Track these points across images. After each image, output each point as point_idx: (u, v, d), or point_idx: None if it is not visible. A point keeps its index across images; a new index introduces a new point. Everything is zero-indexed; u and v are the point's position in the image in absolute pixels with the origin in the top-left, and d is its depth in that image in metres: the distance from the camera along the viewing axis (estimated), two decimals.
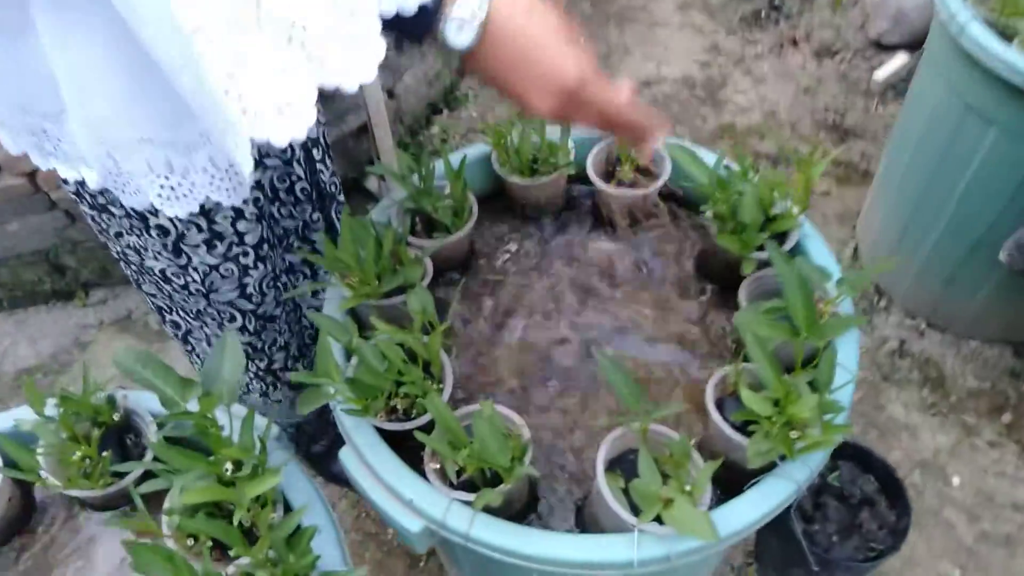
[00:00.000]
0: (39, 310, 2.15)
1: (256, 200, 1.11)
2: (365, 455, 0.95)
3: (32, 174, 1.83)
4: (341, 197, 1.23)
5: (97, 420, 0.97)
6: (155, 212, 1.03)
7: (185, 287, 1.17)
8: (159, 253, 1.11)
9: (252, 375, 1.41)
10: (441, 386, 0.99)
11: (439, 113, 2.65)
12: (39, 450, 0.93)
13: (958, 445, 1.92)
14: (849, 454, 1.07)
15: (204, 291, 1.17)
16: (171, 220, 1.04)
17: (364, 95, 2.00)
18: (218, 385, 0.88)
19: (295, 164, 1.19)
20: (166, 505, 0.88)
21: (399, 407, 0.98)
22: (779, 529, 1.07)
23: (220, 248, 1.11)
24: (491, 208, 1.31)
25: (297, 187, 1.23)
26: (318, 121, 1.15)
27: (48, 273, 2.07)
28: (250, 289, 1.20)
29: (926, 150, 1.82)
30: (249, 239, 1.13)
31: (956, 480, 1.85)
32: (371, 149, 2.22)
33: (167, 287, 1.19)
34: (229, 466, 0.89)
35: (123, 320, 2.13)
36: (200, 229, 1.07)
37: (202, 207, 1.03)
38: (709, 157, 1.15)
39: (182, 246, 1.09)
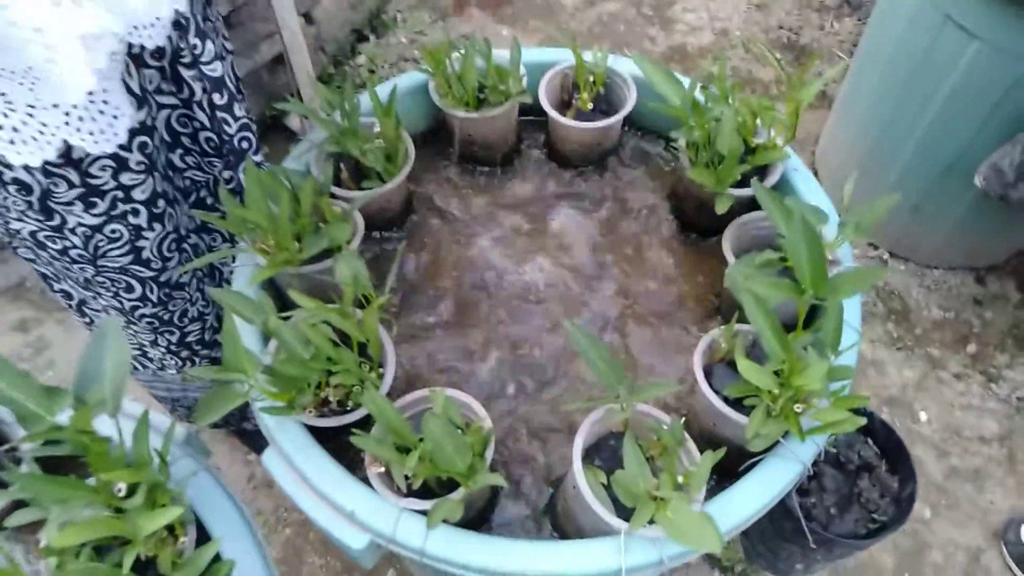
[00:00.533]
0: None
1: (143, 147, 0.89)
2: (294, 460, 0.79)
3: None
4: (257, 157, 1.02)
5: None
6: (8, 165, 0.81)
7: (64, 253, 0.96)
8: (24, 213, 0.90)
9: (164, 350, 1.22)
10: (381, 371, 0.82)
11: (365, 40, 2.40)
12: None
13: (924, 379, 1.86)
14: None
15: (89, 257, 0.97)
16: (28, 172, 0.83)
17: (277, 20, 1.75)
18: (97, 389, 0.70)
19: (196, 108, 0.97)
20: (42, 543, 0.70)
21: (332, 398, 0.81)
22: None
23: (101, 206, 0.90)
24: (431, 149, 1.13)
25: (201, 136, 1.01)
26: (220, 57, 0.93)
27: None
28: (147, 253, 0.99)
29: (898, 66, 1.68)
30: (138, 194, 0.92)
31: (923, 416, 1.80)
32: (290, 83, 1.98)
33: (43, 253, 0.98)
34: (122, 487, 0.71)
35: (15, 288, 1.88)
36: (71, 184, 0.86)
37: (68, 156, 0.82)
38: (684, 80, 0.99)
39: (51, 205, 0.88)
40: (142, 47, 0.84)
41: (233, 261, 0.94)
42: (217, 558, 0.72)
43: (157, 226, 0.97)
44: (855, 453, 0.96)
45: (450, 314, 0.98)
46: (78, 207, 0.89)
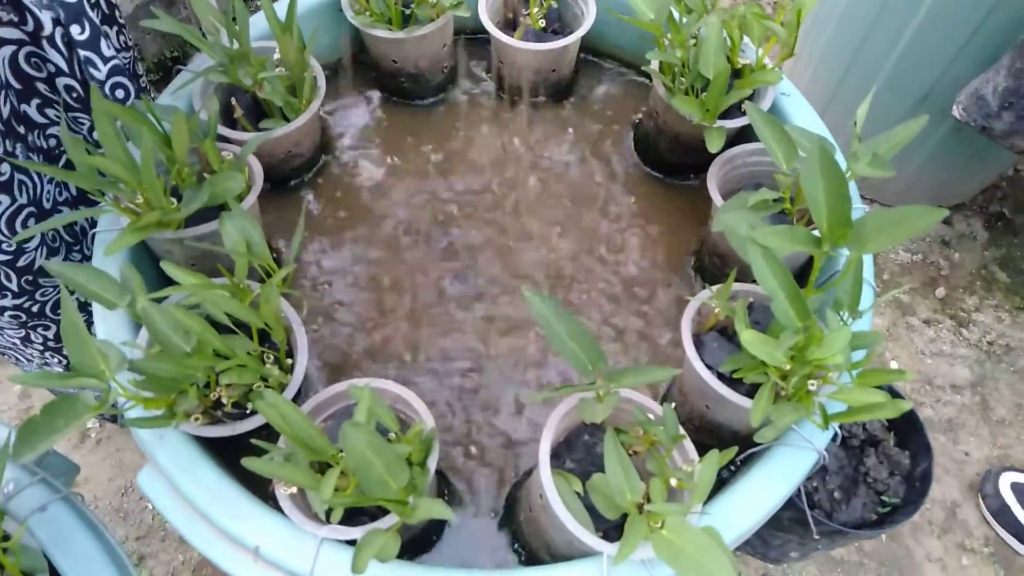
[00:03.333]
0: None
1: None
2: (177, 482, 0.60)
3: None
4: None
5: None
6: None
7: None
8: None
9: (40, 348, 1.00)
10: (290, 362, 0.64)
11: None
12: None
13: (894, 327, 1.76)
14: None
15: None
16: None
17: None
18: None
19: (47, 45, 0.75)
20: None
21: (224, 399, 0.63)
22: None
23: None
24: (348, 81, 0.93)
25: (59, 82, 0.79)
26: None
27: None
28: None
29: (860, 7, 1.54)
30: None
31: (894, 365, 1.71)
32: (191, 20, 1.72)
33: None
34: None
35: None
36: None
37: None
38: None
39: None
40: None
41: (93, 228, 0.74)
42: None
43: (3, 198, 0.75)
44: (859, 426, 0.82)
45: (375, 285, 0.80)
46: None
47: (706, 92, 0.78)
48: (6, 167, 0.74)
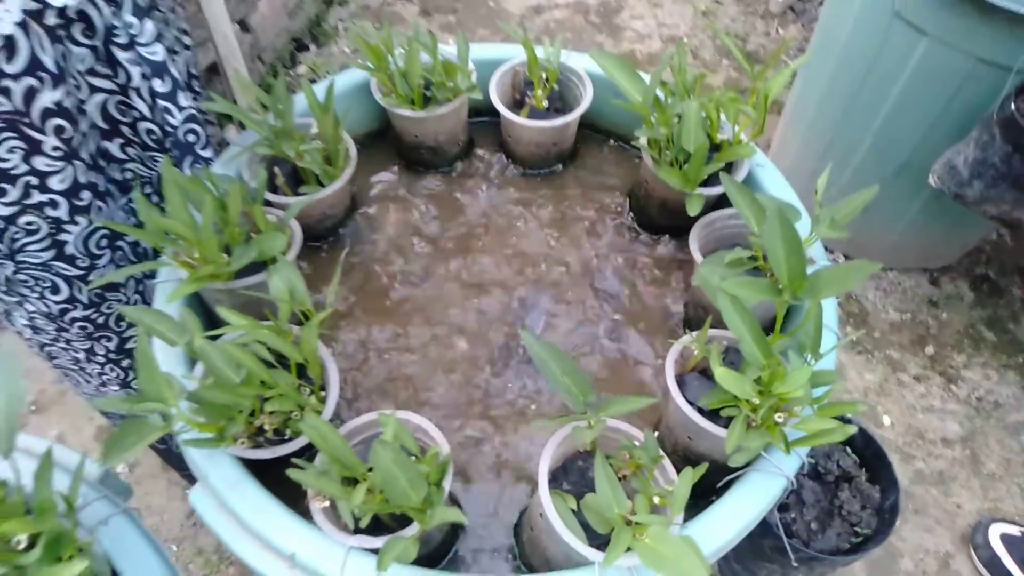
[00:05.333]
0: None
1: (60, 130, 0.79)
2: (225, 497, 0.69)
3: None
4: (206, 152, 0.92)
5: None
6: None
7: None
8: None
9: (103, 360, 1.10)
10: (324, 394, 0.74)
11: (305, 50, 2.31)
12: None
13: (885, 383, 1.84)
14: None
15: (6, 252, 0.86)
16: None
17: (209, 26, 1.65)
18: None
19: (134, 95, 0.87)
20: None
21: (267, 427, 0.73)
22: None
23: (13, 193, 0.80)
24: (375, 152, 1.05)
25: (141, 127, 0.92)
26: (160, 38, 0.84)
27: None
28: (71, 249, 0.89)
29: (848, 67, 1.67)
30: (55, 183, 0.82)
31: (887, 420, 1.78)
32: (226, 94, 1.88)
33: None
34: (21, 539, 0.62)
35: None
36: None
37: None
38: (644, 75, 0.93)
39: None
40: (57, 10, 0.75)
41: (154, 276, 0.85)
42: None
43: (81, 220, 0.87)
44: (834, 463, 0.91)
45: (399, 330, 0.90)
46: None
47: (687, 164, 0.89)
48: (86, 194, 0.86)
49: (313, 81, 2.23)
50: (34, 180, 0.80)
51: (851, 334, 1.90)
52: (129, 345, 1.09)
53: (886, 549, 1.57)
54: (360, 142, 0.97)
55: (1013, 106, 1.36)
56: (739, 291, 0.69)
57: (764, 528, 0.87)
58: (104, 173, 0.91)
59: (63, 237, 0.87)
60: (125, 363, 1.11)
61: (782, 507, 0.89)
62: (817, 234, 0.82)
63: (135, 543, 0.68)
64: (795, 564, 0.85)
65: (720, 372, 0.69)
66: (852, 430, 0.63)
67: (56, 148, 0.80)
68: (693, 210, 0.87)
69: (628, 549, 0.64)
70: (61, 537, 0.61)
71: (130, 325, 1.06)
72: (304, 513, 0.69)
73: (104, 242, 0.92)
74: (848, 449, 0.92)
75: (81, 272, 0.92)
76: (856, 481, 0.90)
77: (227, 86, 1.83)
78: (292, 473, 0.63)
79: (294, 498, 0.71)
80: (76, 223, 0.87)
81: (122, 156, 0.94)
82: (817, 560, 0.84)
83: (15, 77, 0.74)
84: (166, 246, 0.77)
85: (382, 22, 2.45)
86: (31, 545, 0.62)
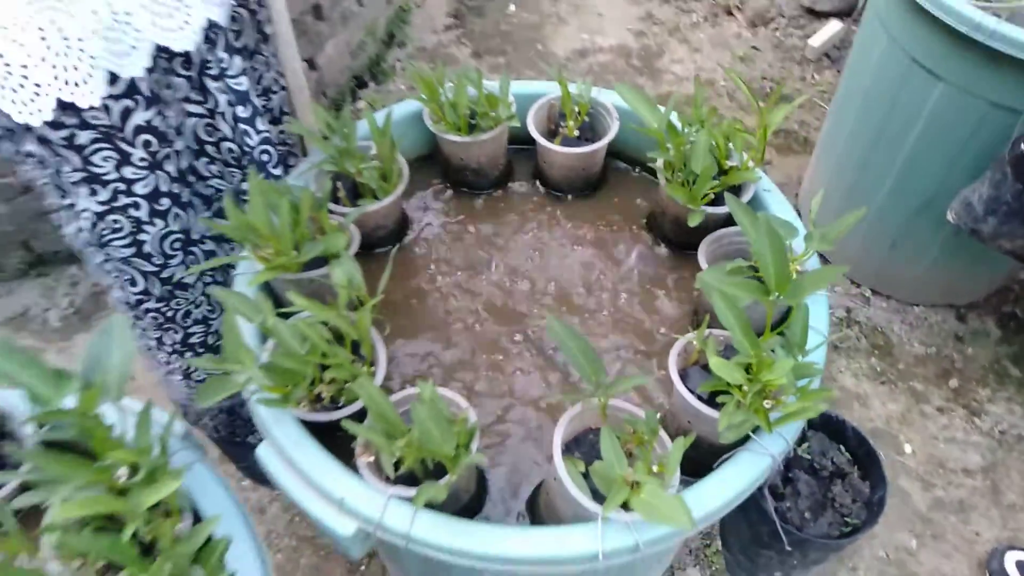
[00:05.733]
0: None
1: (147, 144, 0.95)
2: (287, 451, 0.82)
3: None
4: (276, 170, 1.08)
5: None
6: (27, 129, 0.88)
7: (79, 233, 1.02)
8: (46, 186, 0.97)
9: (169, 351, 1.26)
10: (373, 369, 0.87)
11: (365, 87, 2.50)
12: None
13: (908, 412, 1.89)
14: (818, 424, 1.01)
15: (96, 244, 1.02)
16: (41, 146, 0.89)
17: (282, 62, 1.83)
18: (101, 376, 0.74)
19: (220, 118, 1.04)
20: (45, 521, 0.73)
21: (324, 394, 0.86)
22: (747, 507, 0.98)
23: (103, 194, 0.96)
24: (425, 172, 1.19)
25: (224, 146, 1.08)
26: (248, 74, 1.01)
27: None
28: (148, 248, 1.05)
29: (870, 111, 1.77)
30: (139, 189, 0.98)
31: (908, 448, 1.83)
32: None
33: (68, 231, 1.05)
34: (123, 472, 0.75)
35: (19, 318, 1.92)
36: (74, 167, 0.93)
37: (71, 141, 0.89)
38: (660, 106, 1.06)
39: (62, 185, 0.96)
40: (169, 51, 0.92)
41: (235, 268, 0.99)
42: (209, 541, 0.75)
43: (159, 222, 1.03)
44: (828, 460, 0.99)
45: (437, 327, 1.03)
46: (84, 191, 0.95)
47: (695, 184, 1.01)
48: (166, 200, 1.02)
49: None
50: (122, 186, 0.96)
51: (875, 365, 1.96)
52: (192, 340, 1.24)
53: (903, 572, 1.61)
54: (412, 164, 1.11)
55: (1023, 147, 1.45)
56: (732, 290, 0.80)
57: (762, 515, 0.96)
58: (191, 187, 1.07)
59: (142, 237, 1.03)
60: (188, 355, 1.26)
61: (779, 497, 0.98)
62: (810, 248, 0.93)
63: (213, 487, 0.81)
64: (788, 548, 0.93)
65: (714, 361, 0.80)
66: (821, 408, 0.73)
67: (143, 159, 0.96)
68: (693, 222, 0.98)
69: (627, 506, 0.75)
70: (156, 470, 0.75)
71: (195, 323, 1.21)
72: (351, 468, 0.82)
73: (177, 245, 1.08)
74: (842, 448, 1.01)
75: (155, 269, 1.08)
76: (849, 477, 0.98)
77: (294, 115, 2.01)
78: (346, 424, 0.75)
79: (343, 457, 0.84)
80: (154, 224, 1.02)
81: (207, 173, 1.09)
82: (809, 543, 0.92)
83: (115, 98, 0.90)
84: (247, 242, 0.92)
85: (436, 62, 2.63)
86: (130, 477, 0.75)
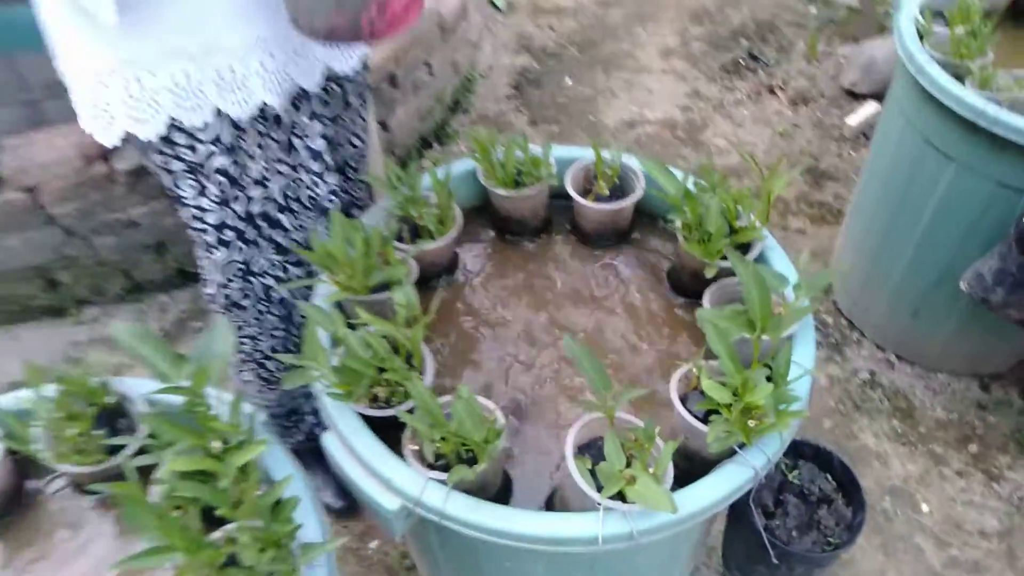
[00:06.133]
0: (31, 325, 2.19)
1: (220, 184, 1.20)
2: (348, 438, 1.00)
3: (32, 189, 1.89)
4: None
5: (92, 402, 1.02)
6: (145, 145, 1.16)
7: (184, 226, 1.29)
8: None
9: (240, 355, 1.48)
10: (422, 376, 1.04)
11: (430, 148, 2.75)
12: (35, 424, 0.97)
13: (927, 474, 1.97)
14: (809, 455, 1.13)
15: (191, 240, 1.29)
16: (154, 161, 1.18)
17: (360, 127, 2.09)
18: (207, 363, 0.94)
19: (301, 171, 1.27)
20: (155, 475, 0.92)
21: (380, 395, 1.03)
22: (741, 527, 1.11)
23: (184, 213, 1.24)
24: (476, 220, 1.39)
25: (302, 194, 1.30)
26: (324, 136, 1.25)
27: (42, 289, 2.12)
28: (215, 267, 1.30)
29: (890, 186, 1.91)
30: (210, 219, 1.23)
31: (925, 507, 1.90)
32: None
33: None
34: (217, 444, 0.93)
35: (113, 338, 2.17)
36: (167, 187, 1.21)
37: (167, 168, 1.16)
38: (679, 173, 1.24)
39: (167, 191, 1.23)
40: (264, 115, 1.16)
41: (311, 290, 1.19)
42: (279, 501, 0.92)
43: (223, 249, 1.27)
44: (816, 487, 1.12)
45: (478, 345, 1.21)
46: (177, 204, 1.23)
47: (709, 241, 1.17)
48: (230, 233, 1.25)
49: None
50: (196, 212, 1.21)
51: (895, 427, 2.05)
52: (241, 350, 1.45)
53: None
54: (465, 212, 1.30)
55: None
56: (721, 323, 0.96)
57: (752, 531, 1.09)
58: (258, 229, 1.28)
59: (212, 256, 1.26)
60: (232, 361, 1.48)
61: (770, 516, 1.10)
62: (798, 295, 1.08)
63: (284, 462, 0.99)
64: (775, 561, 1.06)
65: (706, 383, 0.95)
66: (794, 420, 0.87)
67: (216, 196, 1.20)
68: (709, 274, 1.14)
69: (623, 497, 0.90)
70: (243, 443, 0.93)
71: (246, 338, 1.43)
72: (399, 455, 0.99)
73: (239, 273, 1.31)
74: (829, 476, 1.13)
75: (222, 283, 1.33)
76: (834, 503, 1.11)
77: (365, 169, 2.25)
78: (400, 414, 0.93)
79: (391, 447, 1.01)
80: (219, 250, 1.26)
81: (287, 225, 1.31)
82: (793, 556, 1.05)
83: (202, 142, 1.13)
84: (326, 267, 1.12)
85: (496, 128, 2.88)
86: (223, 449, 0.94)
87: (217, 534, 0.87)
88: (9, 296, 2.11)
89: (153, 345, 0.92)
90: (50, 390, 1.00)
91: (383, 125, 2.40)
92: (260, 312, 1.39)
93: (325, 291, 1.15)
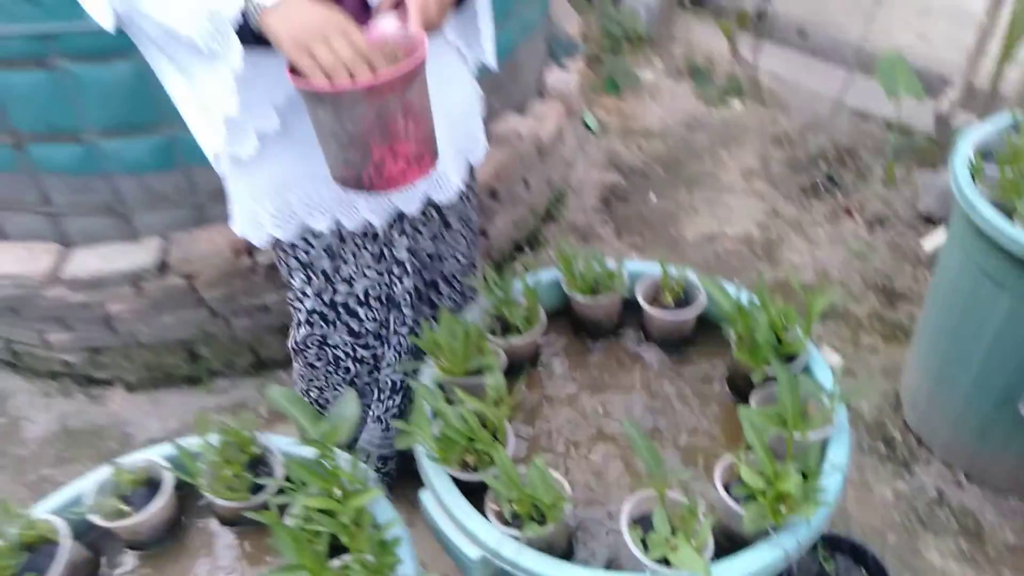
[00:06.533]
0: (171, 391, 2.53)
1: (318, 280, 1.51)
2: (441, 496, 1.21)
3: (190, 276, 2.25)
4: (406, 311, 1.60)
5: (243, 450, 1.28)
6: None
7: None
8: None
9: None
10: (504, 448, 1.26)
11: (522, 252, 3.03)
12: (201, 463, 1.23)
13: None
14: (845, 548, 1.24)
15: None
16: (280, 256, 1.51)
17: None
18: (337, 425, 1.18)
19: (393, 278, 1.56)
20: (289, 511, 1.15)
21: (469, 461, 1.25)
22: None
23: (289, 294, 1.58)
24: (558, 320, 1.62)
25: (396, 291, 1.58)
26: (410, 251, 1.55)
27: (185, 360, 2.46)
28: (335, 342, 1.61)
29: (951, 311, 2.03)
30: (306, 303, 1.55)
31: None
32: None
33: None
34: (338, 492, 1.17)
35: (238, 406, 2.48)
36: (282, 275, 1.53)
37: (288, 266, 1.48)
38: (732, 289, 1.44)
39: (282, 278, 1.56)
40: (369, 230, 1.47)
41: (416, 373, 1.44)
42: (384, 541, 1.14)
43: (307, 327, 1.58)
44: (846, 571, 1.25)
45: (552, 426, 1.41)
46: (287, 287, 1.56)
47: (758, 350, 1.36)
48: (316, 315, 1.54)
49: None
50: (299, 296, 1.55)
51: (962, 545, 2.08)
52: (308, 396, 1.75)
53: None
54: (548, 313, 1.54)
55: None
56: (757, 419, 1.14)
57: None
58: (338, 316, 1.58)
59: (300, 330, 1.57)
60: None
61: None
62: (832, 403, 1.24)
63: (389, 510, 1.21)
64: None
65: (743, 470, 1.12)
66: (821, 507, 1.03)
67: (313, 288, 1.51)
68: (757, 379, 1.32)
69: (668, 563, 1.06)
70: (359, 490, 1.16)
71: (317, 388, 1.72)
72: (482, 513, 1.19)
73: (316, 342, 1.61)
74: (864, 570, 1.25)
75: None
76: None
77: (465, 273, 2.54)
78: (485, 478, 1.14)
79: (476, 506, 1.21)
80: (304, 327, 1.58)
81: (362, 316, 1.59)
82: None
83: (314, 247, 1.45)
84: (432, 353, 1.36)
85: (583, 238, 3.14)
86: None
87: (336, 562, 1.08)
88: (158, 364, 2.46)
89: (300, 407, 1.17)
90: (214, 438, 1.26)
91: (483, 232, 2.70)
92: (328, 373, 1.69)
93: (430, 373, 1.39)
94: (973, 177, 1.88)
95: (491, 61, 1.48)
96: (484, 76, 1.55)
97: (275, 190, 1.35)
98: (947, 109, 3.20)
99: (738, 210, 3.29)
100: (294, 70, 1.09)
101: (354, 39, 1.08)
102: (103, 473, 1.25)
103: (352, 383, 1.72)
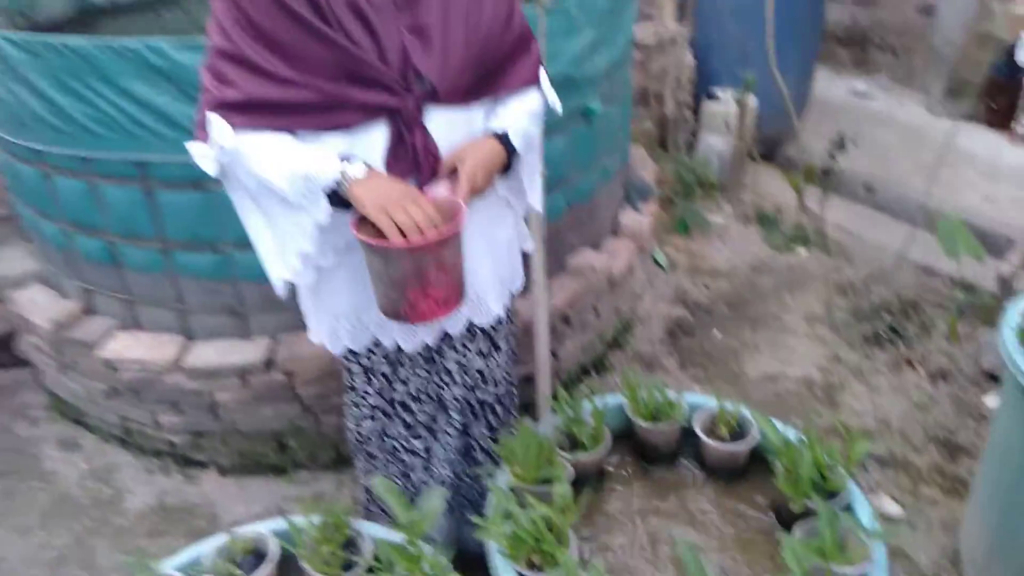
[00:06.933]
0: (257, 478, 2.74)
1: (379, 382, 1.76)
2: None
3: (290, 373, 2.52)
4: (454, 414, 1.81)
5: (339, 530, 1.47)
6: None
7: None
8: None
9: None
10: (567, 551, 1.41)
11: (588, 375, 3.21)
12: (303, 542, 1.42)
13: None
14: None
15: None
16: (345, 360, 1.75)
17: (535, 355, 2.60)
18: (423, 515, 1.37)
19: (445, 390, 1.79)
20: None
21: (535, 561, 1.40)
22: None
23: (352, 396, 1.82)
24: (622, 441, 1.79)
25: (446, 396, 1.80)
26: (458, 363, 1.79)
27: (274, 450, 2.69)
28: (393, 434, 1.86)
29: (1007, 469, 2.09)
30: (370, 400, 1.79)
31: None
32: (532, 395, 2.78)
33: None
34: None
35: (317, 497, 2.67)
36: (344, 378, 1.78)
37: (351, 371, 1.73)
38: (782, 427, 1.59)
39: (344, 381, 1.82)
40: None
41: (491, 475, 1.62)
42: None
43: (369, 421, 1.81)
44: None
45: (611, 533, 1.55)
46: (349, 389, 1.79)
47: (799, 483, 1.49)
48: (377, 411, 1.74)
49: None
50: (363, 396, 1.78)
51: None
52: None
53: None
54: (613, 435, 1.71)
55: None
56: (798, 548, 1.27)
57: None
58: (395, 410, 1.80)
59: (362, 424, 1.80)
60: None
61: None
62: (873, 541, 1.35)
63: None
64: None
65: None
66: None
67: (375, 388, 1.73)
68: (797, 509, 1.45)
69: None
70: (439, 572, 1.33)
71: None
72: None
73: (375, 435, 1.82)
74: None
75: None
76: None
77: (534, 390, 2.73)
78: None
79: None
80: (367, 420, 1.81)
81: (408, 420, 1.82)
82: None
83: (376, 355, 1.69)
84: (507, 462, 1.55)
85: (648, 368, 3.31)
86: None
87: None
88: (250, 452, 2.70)
89: (395, 496, 1.37)
90: (315, 519, 1.46)
91: (554, 354, 2.91)
92: (387, 462, 1.89)
93: (504, 478, 1.57)
94: (1022, 343, 2.00)
95: (538, 208, 1.76)
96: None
97: (353, 312, 1.64)
98: (1009, 271, 3.31)
99: (800, 353, 3.41)
100: (356, 225, 1.39)
101: (423, 205, 1.35)
102: (219, 540, 1.46)
103: (407, 476, 1.92)
